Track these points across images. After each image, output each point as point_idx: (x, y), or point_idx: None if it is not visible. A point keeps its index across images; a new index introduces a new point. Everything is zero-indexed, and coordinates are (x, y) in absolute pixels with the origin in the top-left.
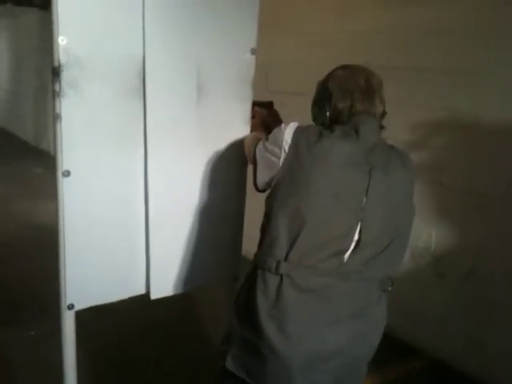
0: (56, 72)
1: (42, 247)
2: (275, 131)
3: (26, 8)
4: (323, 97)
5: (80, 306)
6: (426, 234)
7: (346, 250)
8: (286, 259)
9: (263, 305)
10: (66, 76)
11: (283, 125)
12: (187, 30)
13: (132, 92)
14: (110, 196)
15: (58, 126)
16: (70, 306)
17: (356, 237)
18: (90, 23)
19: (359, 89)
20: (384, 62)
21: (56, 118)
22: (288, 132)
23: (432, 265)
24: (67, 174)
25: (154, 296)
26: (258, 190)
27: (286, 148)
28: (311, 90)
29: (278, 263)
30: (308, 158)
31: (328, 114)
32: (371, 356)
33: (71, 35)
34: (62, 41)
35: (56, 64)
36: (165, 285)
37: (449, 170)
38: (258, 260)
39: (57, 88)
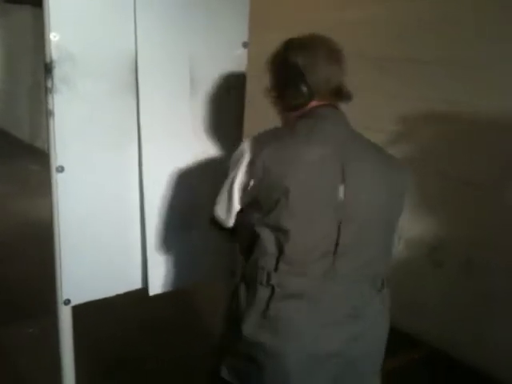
0: (48, 68)
1: (42, 244)
2: (233, 155)
3: (19, 5)
4: (292, 73)
5: (76, 301)
6: (422, 224)
7: (332, 252)
8: (275, 270)
9: (255, 317)
10: (58, 72)
11: (240, 146)
12: (179, 24)
13: (125, 87)
14: (105, 191)
15: (51, 121)
16: (67, 302)
17: (337, 237)
18: (82, 19)
19: (324, 54)
20: (380, 53)
21: (49, 114)
22: (246, 149)
23: (429, 255)
24: (61, 169)
25: (152, 292)
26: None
27: (247, 164)
28: None
29: (269, 275)
30: (278, 168)
31: (306, 89)
32: (376, 355)
33: (63, 31)
34: (53, 37)
35: (48, 60)
36: (162, 281)
37: (445, 161)
38: (246, 274)
39: (49, 84)
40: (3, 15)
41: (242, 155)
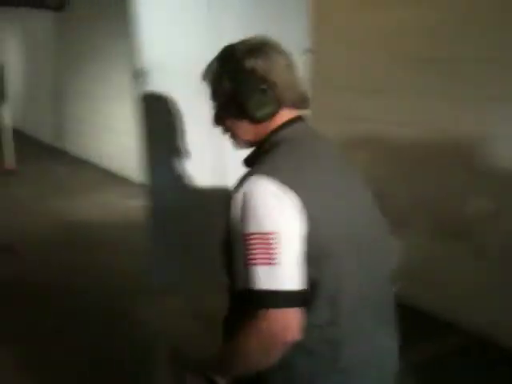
0: (138, 75)
1: (83, 241)
2: (257, 206)
3: (39, 10)
4: (252, 80)
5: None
6: (461, 213)
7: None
8: (336, 334)
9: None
10: (147, 79)
11: (261, 190)
12: (247, 31)
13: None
14: (196, 187)
15: (142, 125)
16: (158, 289)
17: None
18: (169, 28)
19: (281, 58)
20: (421, 53)
21: (141, 118)
22: (276, 189)
23: (469, 244)
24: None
25: None
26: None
27: (293, 207)
28: (361, 85)
29: (330, 340)
30: (318, 210)
31: (273, 96)
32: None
33: (153, 42)
34: (143, 45)
35: (138, 68)
36: None
37: (481, 152)
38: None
39: (139, 91)
40: (24, 20)
41: (277, 200)
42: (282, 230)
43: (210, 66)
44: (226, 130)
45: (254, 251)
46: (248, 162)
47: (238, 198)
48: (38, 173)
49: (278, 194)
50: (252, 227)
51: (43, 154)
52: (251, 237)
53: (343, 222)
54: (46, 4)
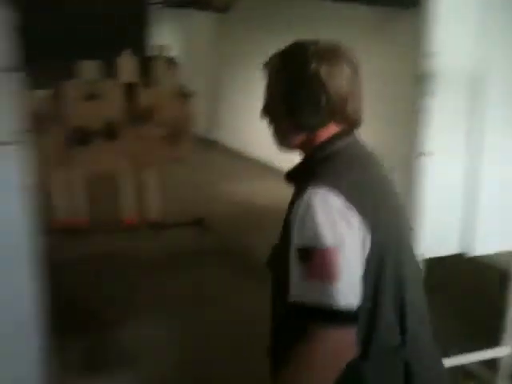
0: (422, 79)
1: (258, 221)
2: (320, 213)
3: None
4: (311, 85)
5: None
6: None
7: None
8: (403, 341)
9: None
10: (428, 83)
11: (325, 197)
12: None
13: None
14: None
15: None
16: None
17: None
18: (450, 38)
19: (349, 69)
20: None
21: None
22: (338, 198)
23: None
24: (428, 154)
25: (476, 252)
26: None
27: (358, 217)
28: None
29: (399, 350)
30: (377, 216)
31: (326, 107)
32: None
33: (438, 47)
34: (431, 52)
35: (423, 71)
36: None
37: None
38: (368, 353)
39: (422, 92)
40: (187, 19)
41: (339, 215)
42: (341, 246)
43: (273, 58)
44: (270, 124)
45: (311, 265)
46: (294, 174)
47: (300, 208)
48: (199, 161)
49: (340, 209)
50: (312, 241)
51: (198, 144)
52: (310, 250)
53: (393, 238)
54: (213, 6)
